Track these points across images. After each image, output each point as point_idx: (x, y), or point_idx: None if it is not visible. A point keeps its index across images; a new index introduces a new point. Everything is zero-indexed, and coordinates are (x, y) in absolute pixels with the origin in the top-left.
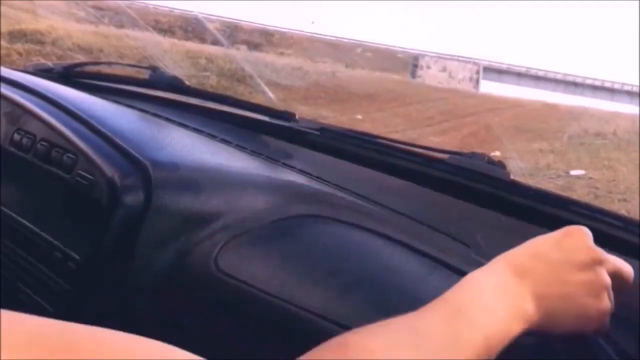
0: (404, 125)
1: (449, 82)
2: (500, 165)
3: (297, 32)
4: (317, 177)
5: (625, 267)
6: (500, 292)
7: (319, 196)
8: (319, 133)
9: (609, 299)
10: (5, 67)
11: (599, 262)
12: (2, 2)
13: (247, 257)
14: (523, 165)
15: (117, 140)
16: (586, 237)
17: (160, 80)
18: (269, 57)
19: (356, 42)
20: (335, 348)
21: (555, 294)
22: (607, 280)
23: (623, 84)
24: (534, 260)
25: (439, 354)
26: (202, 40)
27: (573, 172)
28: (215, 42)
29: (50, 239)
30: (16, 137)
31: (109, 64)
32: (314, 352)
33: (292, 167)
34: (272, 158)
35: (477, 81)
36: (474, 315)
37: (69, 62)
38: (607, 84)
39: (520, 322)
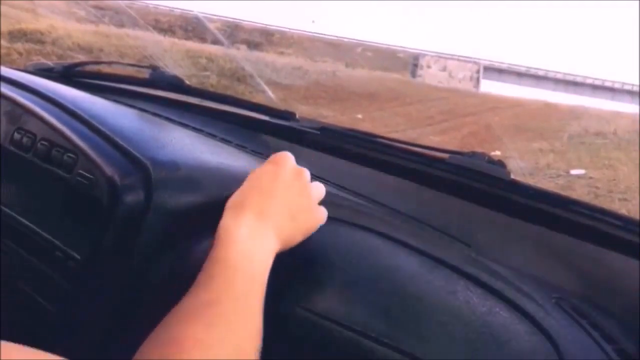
0: (404, 124)
1: (449, 82)
2: (501, 164)
3: (297, 31)
4: (317, 177)
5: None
6: (256, 239)
7: None
8: (319, 132)
9: (322, 209)
10: (6, 66)
11: (308, 182)
12: (2, 1)
13: None
14: (523, 165)
15: (118, 140)
16: (292, 163)
17: (160, 79)
18: (269, 56)
19: (356, 41)
20: (170, 344)
21: (286, 222)
22: (315, 195)
23: (623, 83)
24: (264, 200)
25: (235, 314)
26: (203, 39)
27: (573, 172)
28: (216, 42)
29: (51, 238)
30: (16, 136)
31: (110, 63)
32: (150, 350)
33: None
34: None
35: (478, 80)
36: (247, 269)
37: (69, 61)
38: (608, 84)
39: (272, 257)
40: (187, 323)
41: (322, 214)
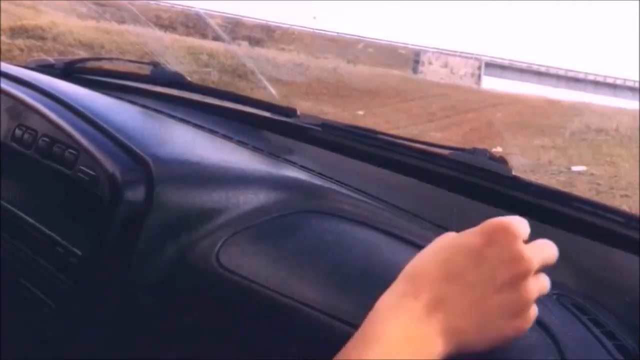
0: (405, 121)
1: (451, 78)
2: (502, 161)
3: (298, 27)
4: (319, 173)
5: (549, 251)
6: (412, 344)
7: (320, 192)
8: (320, 129)
9: (532, 312)
10: (7, 62)
11: (525, 276)
12: None
13: (249, 253)
14: (525, 161)
15: (119, 136)
16: (514, 243)
17: (161, 76)
18: (270, 52)
19: (358, 37)
20: None
21: (469, 323)
22: (533, 294)
23: (625, 80)
24: (448, 285)
25: None
26: (204, 36)
27: (575, 168)
28: (217, 38)
29: (52, 234)
30: (17, 132)
31: (111, 59)
32: None
33: (293, 163)
34: (273, 154)
35: (479, 77)
36: None
37: (70, 58)
38: (609, 80)
39: None
40: None
41: (527, 321)
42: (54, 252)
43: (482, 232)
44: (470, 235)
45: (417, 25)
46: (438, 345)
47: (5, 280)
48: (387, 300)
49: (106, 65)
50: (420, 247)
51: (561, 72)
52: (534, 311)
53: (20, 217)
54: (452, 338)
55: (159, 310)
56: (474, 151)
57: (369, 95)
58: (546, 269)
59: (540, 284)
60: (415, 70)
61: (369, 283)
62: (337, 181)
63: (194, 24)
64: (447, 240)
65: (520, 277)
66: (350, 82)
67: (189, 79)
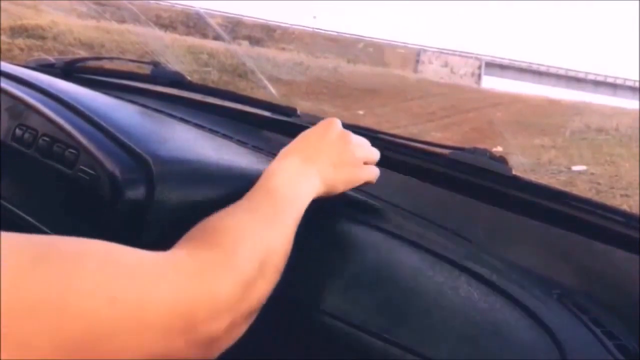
0: (406, 120)
1: (451, 78)
2: (502, 160)
3: (298, 27)
4: None
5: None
6: (299, 174)
7: None
8: None
9: (363, 165)
10: (7, 62)
11: (350, 142)
12: None
13: None
14: (525, 161)
15: (119, 136)
16: (339, 126)
17: (162, 75)
18: (270, 52)
19: (358, 37)
20: (209, 232)
21: (330, 172)
22: (358, 153)
23: (625, 79)
24: (312, 150)
25: (269, 222)
26: (204, 35)
27: (575, 168)
28: (217, 38)
29: (53, 234)
30: (18, 132)
31: (111, 59)
32: (191, 241)
33: None
34: (273, 153)
35: (479, 76)
36: (287, 193)
37: (70, 57)
38: (610, 80)
39: (313, 194)
40: (224, 218)
41: (367, 172)
42: None
43: (322, 122)
44: (316, 126)
45: (417, 25)
46: (317, 183)
47: None
48: (274, 163)
49: (106, 64)
50: (419, 246)
51: (561, 72)
52: (372, 169)
53: (20, 217)
54: (323, 179)
55: None
56: (474, 151)
57: (369, 95)
58: (547, 269)
59: (364, 152)
60: (415, 70)
61: (368, 282)
62: None
63: (194, 24)
64: (303, 133)
65: (348, 142)
66: (351, 82)
67: (189, 78)
